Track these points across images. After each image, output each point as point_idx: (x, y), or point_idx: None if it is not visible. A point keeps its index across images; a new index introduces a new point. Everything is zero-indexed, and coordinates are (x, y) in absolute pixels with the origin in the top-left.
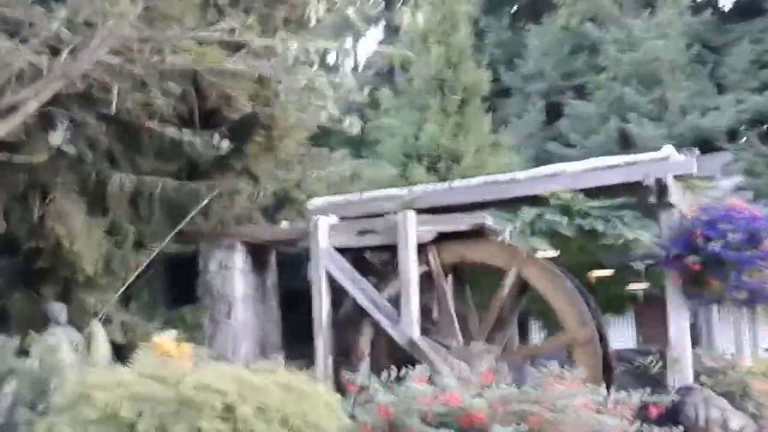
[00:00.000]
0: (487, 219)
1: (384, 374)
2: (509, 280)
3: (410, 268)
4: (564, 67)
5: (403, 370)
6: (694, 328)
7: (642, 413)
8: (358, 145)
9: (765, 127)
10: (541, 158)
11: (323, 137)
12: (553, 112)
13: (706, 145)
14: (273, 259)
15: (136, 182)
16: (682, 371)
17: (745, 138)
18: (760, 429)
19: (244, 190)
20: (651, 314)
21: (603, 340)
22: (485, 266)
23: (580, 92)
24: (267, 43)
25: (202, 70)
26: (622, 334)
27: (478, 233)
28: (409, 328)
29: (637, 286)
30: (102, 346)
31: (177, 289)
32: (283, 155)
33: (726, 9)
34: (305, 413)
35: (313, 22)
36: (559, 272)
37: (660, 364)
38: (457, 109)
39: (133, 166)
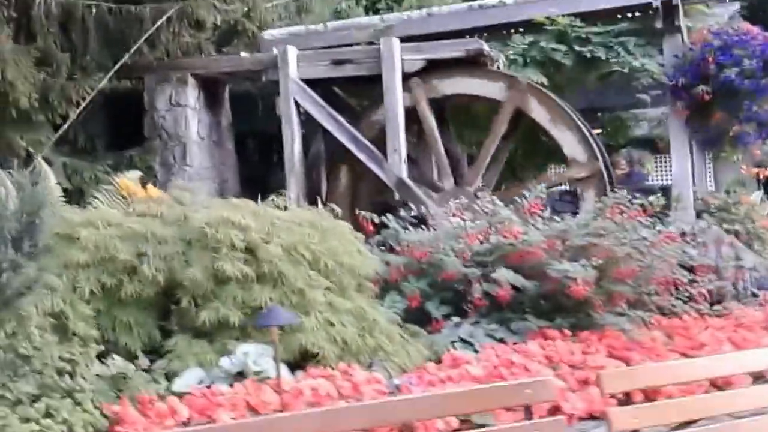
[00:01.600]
0: (484, 45)
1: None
2: (507, 113)
3: (397, 100)
4: None
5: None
6: None
7: None
8: None
9: None
10: None
11: None
12: None
13: None
14: (227, 97)
15: (64, 3)
16: (685, 209)
17: None
18: None
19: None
20: None
21: (609, 174)
22: (477, 99)
23: None
24: None
25: None
26: None
27: (470, 62)
28: (397, 167)
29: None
30: (55, 189)
31: (118, 129)
32: None
33: None
34: (335, 253)
35: None
36: (562, 104)
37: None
38: None
39: None
